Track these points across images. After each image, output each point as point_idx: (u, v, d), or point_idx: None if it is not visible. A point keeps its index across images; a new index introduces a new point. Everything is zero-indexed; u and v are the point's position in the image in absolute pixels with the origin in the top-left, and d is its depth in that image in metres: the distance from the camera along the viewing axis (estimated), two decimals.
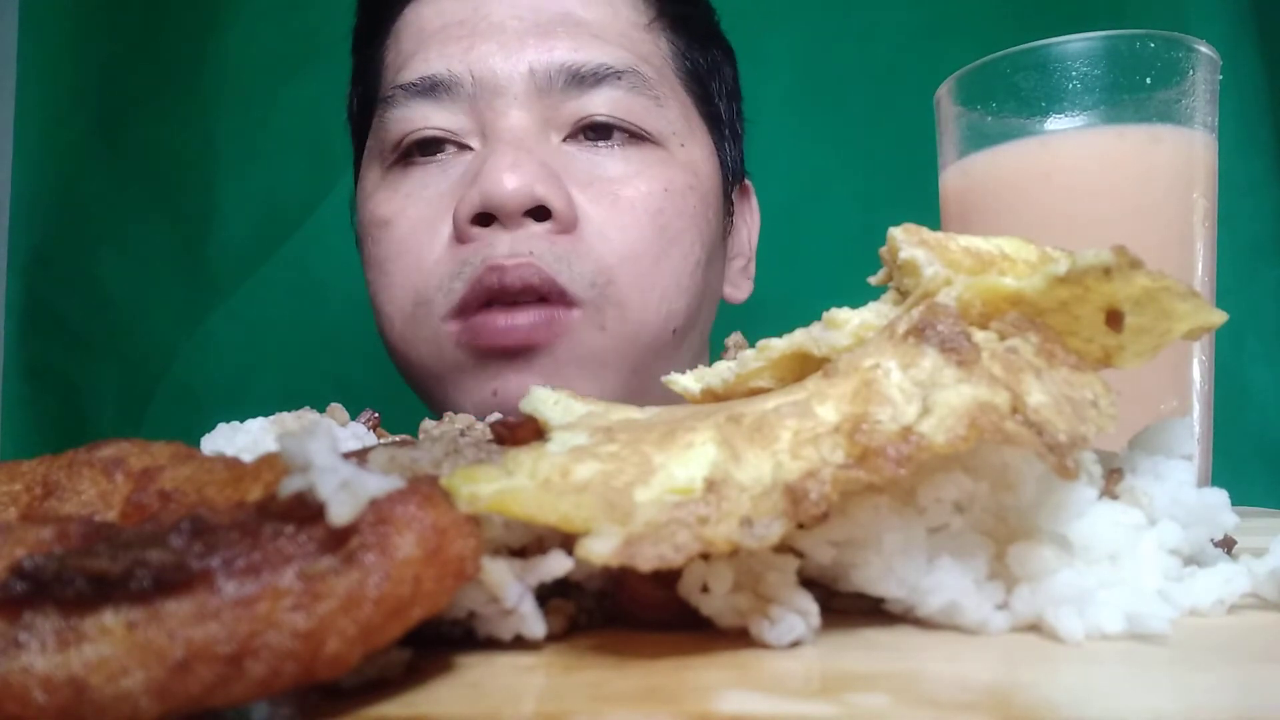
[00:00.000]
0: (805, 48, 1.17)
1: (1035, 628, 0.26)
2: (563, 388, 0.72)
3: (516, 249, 0.69)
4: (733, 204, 0.88)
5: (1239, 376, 1.06)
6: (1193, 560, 0.30)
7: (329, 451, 0.21)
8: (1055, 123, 0.56)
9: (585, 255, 0.71)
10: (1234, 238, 0.92)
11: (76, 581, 0.18)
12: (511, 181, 0.68)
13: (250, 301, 1.24)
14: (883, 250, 0.34)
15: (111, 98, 1.26)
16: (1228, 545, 0.33)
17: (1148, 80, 0.54)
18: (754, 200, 0.94)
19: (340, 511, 0.20)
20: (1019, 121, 0.57)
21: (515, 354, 0.70)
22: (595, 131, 0.74)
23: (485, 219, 0.70)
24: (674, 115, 0.77)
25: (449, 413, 0.48)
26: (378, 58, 0.81)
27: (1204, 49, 0.55)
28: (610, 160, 0.74)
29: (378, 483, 0.21)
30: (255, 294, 1.24)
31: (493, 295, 0.69)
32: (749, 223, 0.93)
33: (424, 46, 0.75)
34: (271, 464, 0.28)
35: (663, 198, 0.74)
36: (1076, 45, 0.55)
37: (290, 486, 0.20)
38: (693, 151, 0.78)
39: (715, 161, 0.82)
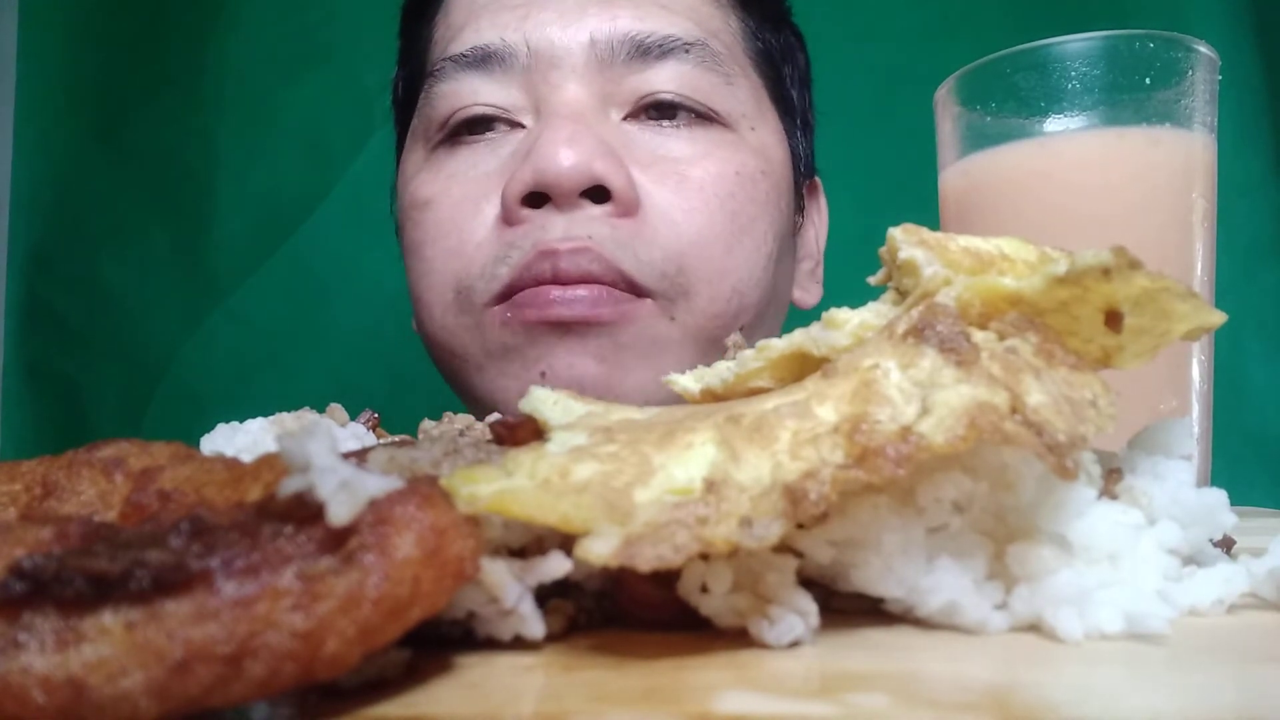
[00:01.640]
0: (805, 47, 1.17)
1: (1035, 628, 0.26)
2: (617, 370, 0.67)
3: (573, 232, 0.63)
4: (804, 199, 0.81)
5: (1238, 376, 1.06)
6: (1192, 560, 0.30)
7: (329, 451, 0.21)
8: (1055, 123, 0.56)
9: (651, 241, 0.65)
10: (1233, 238, 0.92)
11: (76, 581, 0.18)
12: (568, 157, 0.62)
13: (250, 301, 1.24)
14: (882, 250, 0.34)
15: (111, 98, 1.26)
16: (1227, 545, 0.33)
17: (1147, 80, 0.54)
18: (823, 200, 0.87)
19: (340, 512, 0.20)
20: (1019, 121, 0.57)
21: (569, 330, 0.64)
22: (659, 110, 0.68)
23: (537, 199, 0.64)
24: (744, 96, 0.71)
25: (448, 413, 0.48)
26: (426, 35, 0.76)
27: (1203, 49, 0.55)
28: (675, 141, 0.68)
29: (377, 483, 0.21)
30: (255, 294, 1.24)
31: (544, 284, 0.64)
32: (817, 223, 0.86)
33: (475, 17, 0.70)
34: (271, 464, 0.28)
35: (734, 181, 0.67)
36: (1076, 45, 0.55)
37: (290, 487, 0.20)
38: (764, 136, 0.72)
39: (786, 150, 0.75)
